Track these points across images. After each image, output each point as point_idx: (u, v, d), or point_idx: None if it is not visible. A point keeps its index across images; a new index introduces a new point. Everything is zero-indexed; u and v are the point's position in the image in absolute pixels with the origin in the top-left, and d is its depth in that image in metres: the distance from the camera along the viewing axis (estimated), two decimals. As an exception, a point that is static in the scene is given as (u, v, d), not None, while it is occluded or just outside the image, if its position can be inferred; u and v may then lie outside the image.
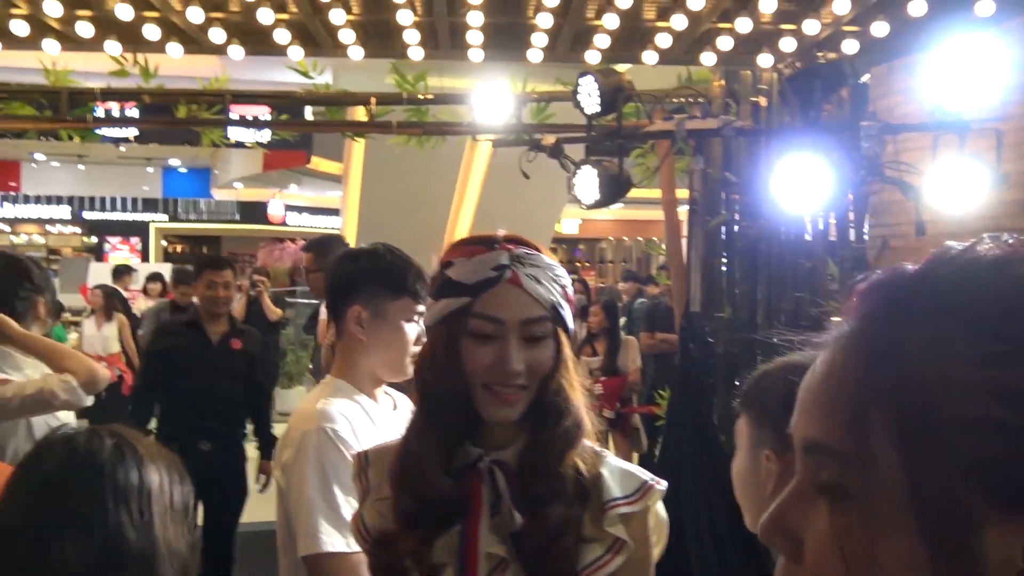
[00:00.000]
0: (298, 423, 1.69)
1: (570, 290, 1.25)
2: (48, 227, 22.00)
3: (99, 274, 10.93)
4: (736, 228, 3.89)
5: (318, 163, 15.83)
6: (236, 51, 4.29)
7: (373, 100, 4.28)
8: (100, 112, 4.70)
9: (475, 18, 3.99)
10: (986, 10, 3.49)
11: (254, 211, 20.99)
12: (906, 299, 0.51)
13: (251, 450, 4.36)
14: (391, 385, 1.89)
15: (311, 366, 7.57)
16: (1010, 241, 0.51)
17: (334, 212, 16.69)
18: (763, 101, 3.74)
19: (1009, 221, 3.66)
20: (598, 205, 3.54)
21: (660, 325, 6.21)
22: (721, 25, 4.02)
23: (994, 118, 3.04)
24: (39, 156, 20.22)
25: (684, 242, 4.07)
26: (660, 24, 4.09)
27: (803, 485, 0.53)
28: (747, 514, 1.32)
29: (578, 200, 3.54)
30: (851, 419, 0.50)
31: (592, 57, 4.31)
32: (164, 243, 22.70)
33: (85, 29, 4.15)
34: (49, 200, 21.65)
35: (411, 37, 4.21)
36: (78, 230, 22.03)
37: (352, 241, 11.24)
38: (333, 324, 1.87)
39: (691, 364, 3.52)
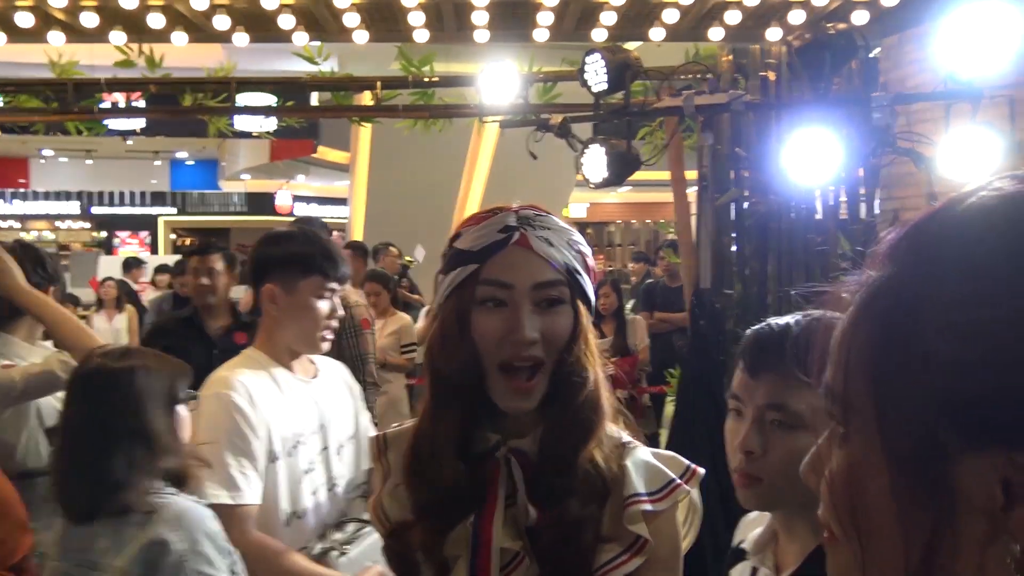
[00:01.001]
0: (206, 387, 1.87)
1: (590, 260, 1.17)
2: (57, 223, 22.10)
3: (109, 268, 10.98)
4: (746, 204, 3.86)
5: (325, 152, 15.83)
6: (241, 38, 4.28)
7: (379, 84, 4.26)
8: (106, 103, 4.70)
9: (480, -2, 3.97)
10: (997, -23, 3.44)
11: (262, 202, 21.02)
12: (904, 246, 0.53)
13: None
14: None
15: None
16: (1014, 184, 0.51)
17: (342, 201, 16.69)
18: (772, 75, 3.71)
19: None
20: (606, 184, 3.51)
21: (659, 304, 6.19)
22: (728, -1, 3.98)
23: (1007, 85, 3.00)
24: (47, 152, 20.28)
25: (693, 220, 4.05)
26: None
27: (830, 431, 0.56)
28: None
29: (586, 179, 3.53)
30: (841, 363, 0.53)
31: (599, 35, 4.28)
32: (173, 236, 22.78)
33: (90, 19, 4.14)
34: (58, 196, 21.74)
35: (416, 19, 4.19)
36: (87, 225, 22.13)
37: (360, 229, 11.26)
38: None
39: (702, 341, 3.50)
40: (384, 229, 9.07)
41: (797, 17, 3.99)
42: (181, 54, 4.37)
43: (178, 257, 9.76)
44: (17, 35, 4.28)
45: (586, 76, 3.45)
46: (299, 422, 1.90)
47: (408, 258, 7.18)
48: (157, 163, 22.04)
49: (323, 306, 1.95)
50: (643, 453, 1.16)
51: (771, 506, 1.18)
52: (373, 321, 4.24)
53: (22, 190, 21.61)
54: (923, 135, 3.26)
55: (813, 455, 0.58)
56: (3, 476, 1.91)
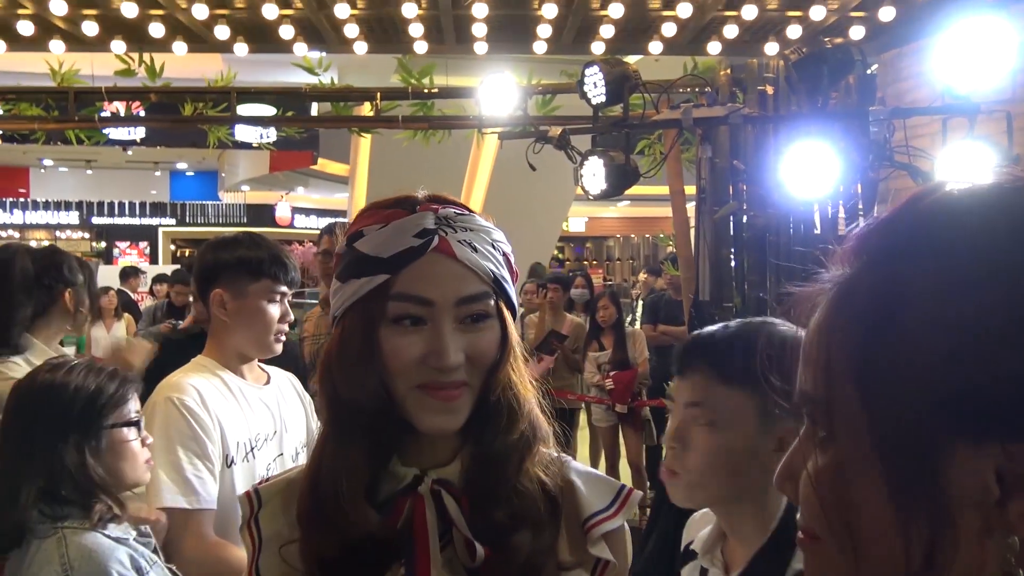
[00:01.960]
0: (156, 392, 1.85)
1: (512, 259, 1.01)
2: (57, 232, 22.12)
3: (108, 277, 10.97)
4: (744, 218, 3.87)
5: (325, 164, 15.87)
6: (241, 48, 4.31)
7: (379, 95, 4.28)
8: (107, 113, 4.71)
9: (480, 10, 3.99)
10: (994, -7, 3.46)
11: (262, 214, 21.06)
12: (874, 241, 0.52)
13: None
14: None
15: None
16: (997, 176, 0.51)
17: (341, 214, 16.73)
18: (770, 89, 3.72)
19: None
20: (605, 196, 3.52)
21: (663, 318, 6.19)
22: (727, 13, 4.01)
23: (1004, 100, 3.01)
24: (47, 162, 20.34)
25: (692, 233, 4.06)
26: (666, 13, 4.08)
27: (804, 434, 0.55)
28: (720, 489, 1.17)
29: (585, 191, 3.53)
30: (821, 364, 0.52)
31: (598, 48, 4.30)
32: (172, 247, 22.80)
33: (90, 28, 4.16)
34: (58, 206, 21.78)
35: (416, 31, 4.21)
36: (87, 235, 22.14)
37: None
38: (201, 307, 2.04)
39: (701, 353, 3.50)
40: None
41: (795, 32, 4.02)
42: (181, 64, 4.39)
43: (177, 267, 9.77)
44: (18, 43, 4.30)
45: (585, 88, 3.46)
46: (254, 427, 1.90)
47: None
48: (157, 174, 22.11)
49: (273, 310, 1.94)
50: (580, 466, 1.04)
51: (691, 500, 1.21)
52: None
53: (22, 199, 21.65)
54: (921, 149, 3.27)
55: (785, 464, 0.56)
56: None
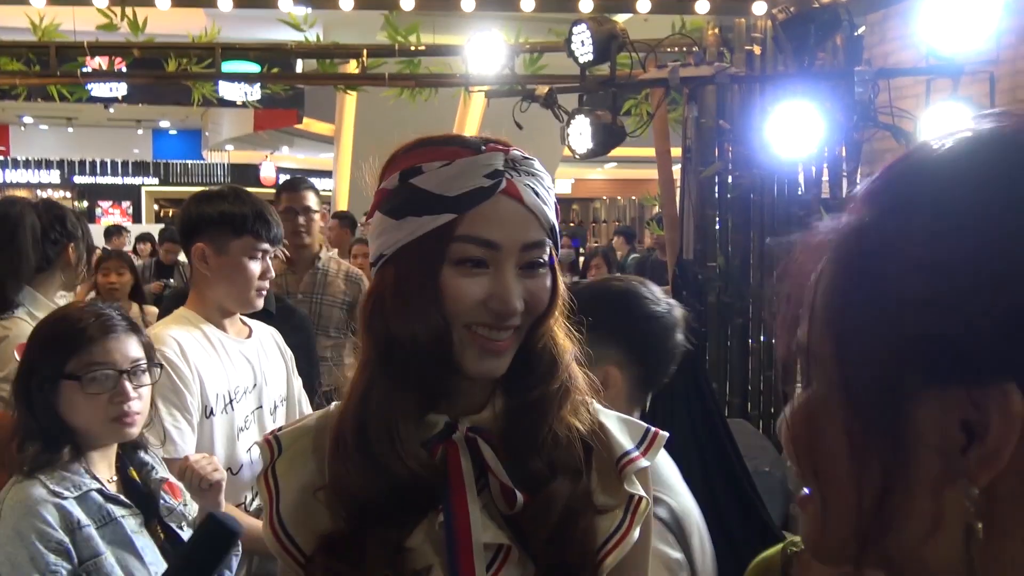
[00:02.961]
0: None
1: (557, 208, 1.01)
2: (39, 191, 21.86)
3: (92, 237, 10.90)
4: (729, 178, 3.90)
5: (310, 124, 15.73)
6: (225, 3, 4.24)
7: (365, 52, 4.25)
8: (89, 68, 4.66)
9: (467, -33, 3.95)
10: (981, -46, 3.46)
11: (246, 174, 20.87)
12: (879, 189, 0.52)
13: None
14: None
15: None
16: (993, 123, 0.50)
17: (327, 174, 16.61)
18: (757, 49, 3.73)
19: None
20: (592, 155, 3.54)
21: (648, 277, 6.25)
22: (715, -29, 3.99)
23: (987, 62, 3.03)
24: (27, 119, 20.03)
25: (678, 193, 4.08)
26: (654, -29, 4.05)
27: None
28: None
29: (572, 150, 3.55)
30: (808, 312, 0.53)
31: (585, 7, 4.27)
32: (156, 207, 22.60)
33: (72, -20, 4.10)
34: (39, 164, 21.50)
35: (402, -13, 4.16)
36: (68, 194, 21.91)
37: (345, 201, 11.21)
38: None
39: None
40: (369, 201, 9.01)
41: (783, -9, 4.00)
42: (164, 20, 4.33)
43: (161, 227, 9.71)
44: (-2, -3, 4.22)
45: (572, 47, 3.46)
46: (234, 379, 1.93)
47: None
48: (139, 132, 21.85)
49: (255, 267, 1.95)
50: (605, 409, 1.04)
51: None
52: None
53: (2, 157, 21.36)
54: (904, 110, 3.30)
55: (788, 410, 0.56)
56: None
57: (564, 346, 0.97)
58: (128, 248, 9.83)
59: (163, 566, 1.49)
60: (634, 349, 1.42)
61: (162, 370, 1.72)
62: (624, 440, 1.00)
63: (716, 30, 3.89)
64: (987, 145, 0.49)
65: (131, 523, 1.50)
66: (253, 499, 1.96)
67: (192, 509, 1.64)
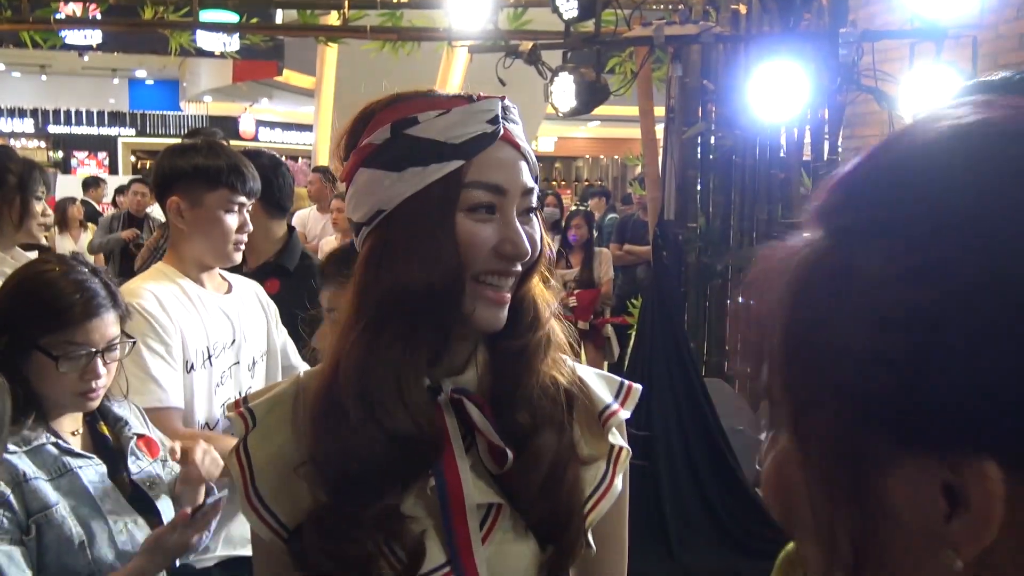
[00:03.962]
0: None
1: None
2: (12, 140, 21.42)
3: (68, 187, 10.75)
4: (712, 139, 3.90)
5: (290, 76, 15.45)
6: (203, -51, 4.15)
7: (346, 3, 4.18)
8: (62, 15, 4.55)
9: (451, -83, 3.88)
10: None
11: (225, 126, 20.48)
12: (836, 202, 0.44)
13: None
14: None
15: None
16: (955, 118, 0.42)
17: (307, 128, 16.38)
18: (743, 8, 3.70)
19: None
20: (575, 113, 3.52)
21: (630, 237, 6.28)
22: (703, -71, 3.94)
23: (970, 26, 3.03)
24: (-1, 66, 19.55)
25: (661, 153, 4.08)
26: (641, -73, 3.99)
27: None
28: None
29: (555, 107, 3.52)
30: (767, 346, 0.46)
31: (571, -39, 4.21)
32: (133, 158, 22.24)
33: (43, -77, 3.98)
34: (12, 113, 21.03)
35: (385, -63, 4.09)
36: (43, 144, 21.48)
37: (326, 156, 11.08)
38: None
39: (663, 271, 3.57)
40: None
41: (771, -50, 3.96)
42: (141, -35, 4.23)
43: (138, 177, 9.57)
44: (-33, -62, 4.10)
45: (557, 3, 3.42)
46: (212, 334, 1.92)
47: None
48: (115, 81, 21.38)
49: (231, 220, 1.92)
50: (582, 366, 1.04)
51: None
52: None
53: (-27, 106, 20.87)
54: (888, 73, 3.30)
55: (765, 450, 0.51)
56: None
57: (545, 297, 0.97)
58: (107, 200, 9.72)
59: (126, 515, 1.49)
60: None
61: (146, 323, 1.72)
62: (604, 393, 1.01)
63: (702, -12, 3.85)
64: (978, 150, 0.40)
65: (89, 473, 1.49)
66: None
67: (171, 467, 1.63)
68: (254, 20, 4.59)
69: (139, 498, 1.54)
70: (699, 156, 3.92)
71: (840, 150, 3.87)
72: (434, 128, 0.88)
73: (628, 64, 4.26)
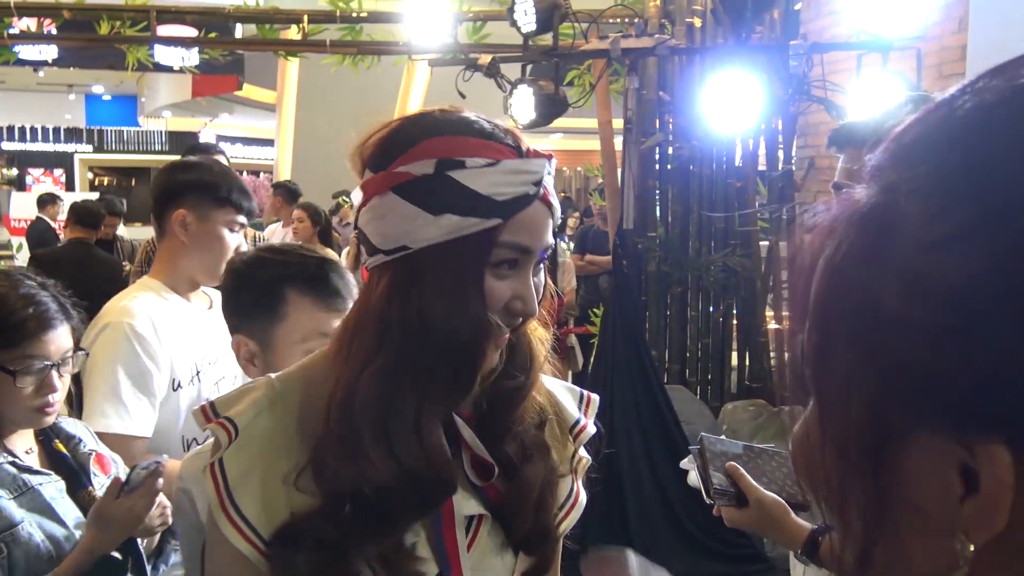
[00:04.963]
0: (104, 315, 1.84)
1: None
2: (-36, 158, 20.97)
3: (22, 205, 10.54)
4: (670, 149, 3.97)
5: (251, 91, 15.35)
6: (160, -36, 4.14)
7: (306, 18, 4.19)
8: (16, 30, 4.49)
9: (409, -68, 3.91)
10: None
11: (184, 141, 20.28)
12: (887, 161, 0.43)
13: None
14: None
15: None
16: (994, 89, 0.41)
17: (268, 143, 16.28)
18: (698, 21, 3.78)
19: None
20: (534, 125, 3.56)
21: (591, 248, 6.34)
22: (657, -56, 4.02)
23: (915, 39, 3.14)
24: (-50, 82, 19.14)
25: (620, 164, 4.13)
26: (597, -58, 4.06)
27: None
28: None
29: (514, 120, 3.56)
30: (795, 321, 0.46)
31: (529, -24, 4.27)
32: (90, 175, 21.88)
33: (-4, -62, 3.94)
34: (-36, 130, 20.61)
35: (343, -48, 4.11)
36: (-3, 161, 21.07)
37: (288, 170, 11.04)
38: (155, 227, 2.00)
39: (624, 280, 3.62)
40: (312, 170, 8.93)
41: (723, -36, 4.05)
42: (96, -20, 4.20)
43: (96, 195, 9.41)
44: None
45: (515, 16, 3.46)
46: (200, 351, 1.92)
47: (344, 199, 7.08)
48: (71, 97, 21.06)
49: (232, 239, 1.94)
50: (548, 378, 1.06)
51: None
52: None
53: (-76, 123, 20.41)
54: (837, 84, 3.39)
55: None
56: None
57: (541, 338, 0.99)
58: (61, 217, 9.51)
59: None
60: None
61: (131, 346, 1.70)
62: (572, 408, 1.05)
63: (657, 2, 3.93)
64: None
65: (50, 490, 1.49)
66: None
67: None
68: (213, 35, 4.58)
69: None
70: (657, 167, 3.99)
71: (794, 159, 3.97)
72: (481, 180, 0.87)
73: (586, 76, 4.32)
